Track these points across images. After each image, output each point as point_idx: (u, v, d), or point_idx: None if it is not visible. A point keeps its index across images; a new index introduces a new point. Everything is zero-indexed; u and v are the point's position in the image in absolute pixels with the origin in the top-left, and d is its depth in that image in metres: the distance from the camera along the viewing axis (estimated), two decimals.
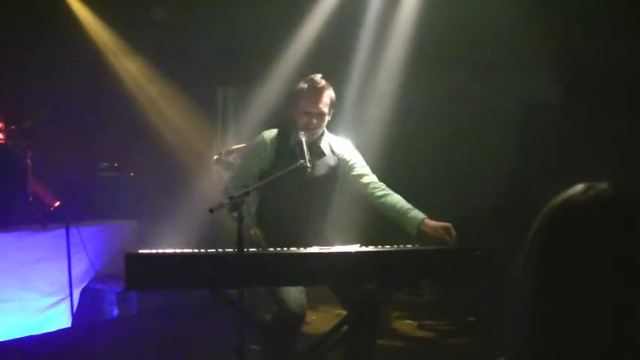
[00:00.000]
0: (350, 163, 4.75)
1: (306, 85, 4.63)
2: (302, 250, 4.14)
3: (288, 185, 4.45)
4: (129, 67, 8.73)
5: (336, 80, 7.09)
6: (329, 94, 4.63)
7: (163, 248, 3.96)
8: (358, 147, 4.91)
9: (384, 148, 6.94)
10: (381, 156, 6.88)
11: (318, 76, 4.66)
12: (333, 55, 7.38)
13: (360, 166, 4.78)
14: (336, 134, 4.90)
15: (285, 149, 4.65)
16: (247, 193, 3.82)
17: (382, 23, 7.44)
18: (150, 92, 8.61)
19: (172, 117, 8.44)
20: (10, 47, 8.10)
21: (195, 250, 3.92)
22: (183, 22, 8.36)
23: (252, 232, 4.31)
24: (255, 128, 6.78)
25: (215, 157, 7.16)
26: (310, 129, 4.61)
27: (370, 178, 4.74)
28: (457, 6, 6.71)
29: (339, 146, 4.79)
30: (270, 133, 4.76)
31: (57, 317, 6.57)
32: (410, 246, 4.19)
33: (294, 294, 4.31)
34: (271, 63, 7.38)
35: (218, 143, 8.25)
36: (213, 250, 3.93)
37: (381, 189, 4.68)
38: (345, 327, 4.59)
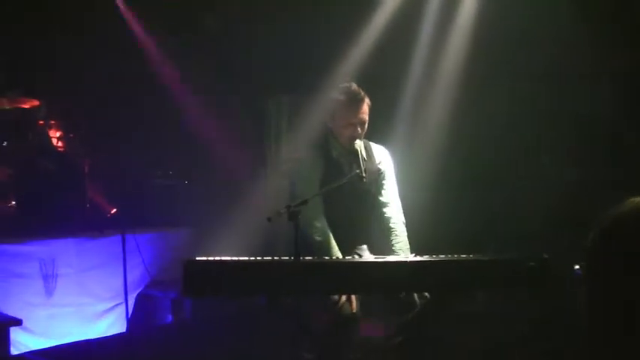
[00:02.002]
0: (382, 170, 4.82)
1: (344, 97, 4.69)
2: (357, 258, 4.18)
3: (341, 194, 4.49)
4: (184, 77, 8.84)
5: (392, 89, 7.14)
6: (367, 102, 4.70)
7: (218, 256, 4.01)
8: (412, 155, 4.95)
9: (437, 156, 6.94)
10: (433, 164, 6.90)
11: (354, 87, 4.72)
12: (389, 64, 7.39)
13: (389, 176, 4.85)
14: (389, 142, 4.95)
15: (330, 160, 4.71)
16: (305, 202, 3.87)
17: (439, 31, 7.41)
18: (204, 101, 8.70)
19: (226, 125, 8.51)
20: (69, 59, 8.27)
21: (252, 258, 3.96)
22: (235, 32, 8.44)
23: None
24: (310, 137, 6.81)
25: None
26: (354, 139, 4.66)
27: (389, 192, 4.81)
28: (516, 14, 6.67)
29: (378, 153, 4.84)
30: (312, 148, 4.83)
31: (112, 322, 6.67)
32: (464, 256, 4.19)
33: (346, 299, 4.34)
34: (326, 71, 7.40)
35: (271, 152, 8.29)
36: (270, 257, 3.97)
37: (391, 208, 4.76)
38: (400, 335, 4.61)
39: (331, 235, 4.50)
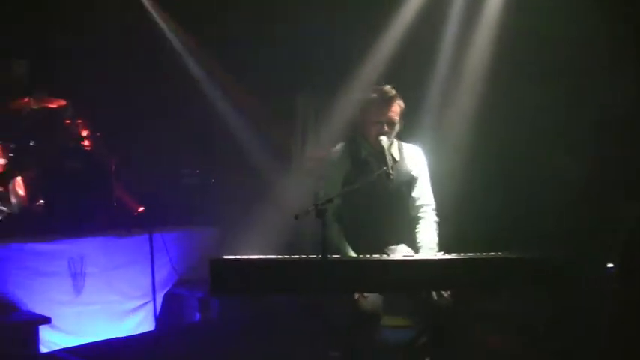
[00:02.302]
0: (414, 170, 4.81)
1: (375, 95, 4.73)
2: (385, 256, 4.16)
3: (369, 193, 4.51)
4: (210, 76, 8.87)
5: (418, 87, 7.11)
6: (399, 104, 4.72)
7: (245, 254, 4.03)
8: (438, 154, 4.93)
9: (463, 154, 6.91)
10: (460, 163, 6.86)
11: (387, 86, 4.75)
12: (415, 62, 7.36)
13: (423, 176, 4.84)
14: (414, 141, 4.94)
15: (358, 159, 4.73)
16: (331, 201, 3.87)
17: (465, 28, 7.37)
18: (230, 100, 8.73)
19: (252, 124, 8.52)
20: (95, 57, 8.32)
21: (279, 256, 3.97)
22: (262, 31, 8.45)
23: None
24: (336, 137, 6.80)
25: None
26: (382, 137, 4.67)
27: (422, 192, 4.81)
28: (542, 10, 6.62)
29: (411, 153, 4.84)
30: (340, 147, 4.85)
31: (140, 320, 6.71)
32: (493, 253, 4.16)
33: (362, 295, 4.34)
34: (352, 70, 7.39)
35: (297, 151, 8.29)
36: (297, 256, 3.97)
37: (421, 206, 4.77)
38: (424, 335, 4.60)
39: (342, 235, 4.57)
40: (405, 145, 4.89)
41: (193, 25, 8.72)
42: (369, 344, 4.46)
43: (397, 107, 4.70)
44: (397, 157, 4.76)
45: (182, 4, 8.63)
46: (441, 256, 4.17)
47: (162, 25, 8.89)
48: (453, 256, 4.11)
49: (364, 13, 7.50)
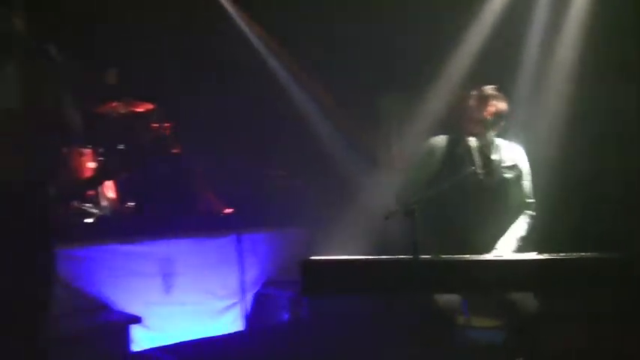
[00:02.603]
0: (519, 170, 4.75)
1: (474, 93, 4.71)
2: (475, 257, 4.09)
3: (459, 192, 4.44)
4: (295, 76, 8.90)
5: (504, 85, 6.97)
6: (497, 104, 4.66)
7: (334, 255, 4.03)
8: (527, 154, 4.85)
9: (550, 153, 6.75)
10: (547, 161, 6.69)
11: (487, 87, 4.73)
12: (500, 61, 7.21)
13: (524, 175, 4.78)
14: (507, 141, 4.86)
15: (454, 156, 4.68)
16: (420, 200, 3.82)
17: (552, 27, 7.20)
18: (314, 101, 8.74)
19: (336, 125, 8.52)
20: (182, 58, 8.43)
21: (370, 257, 3.95)
22: (342, 31, 8.43)
23: None
24: (418, 136, 6.73)
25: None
26: (477, 136, 4.61)
27: (521, 192, 4.75)
28: (628, 9, 6.44)
29: (511, 152, 4.75)
30: (438, 139, 4.80)
31: (229, 321, 6.75)
32: (590, 253, 4.04)
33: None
34: (435, 70, 7.31)
35: (383, 151, 8.24)
36: (387, 256, 3.94)
37: (521, 207, 4.72)
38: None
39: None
40: (506, 144, 4.80)
41: (275, 27, 8.76)
42: (447, 343, 4.42)
43: (494, 107, 4.64)
44: (496, 157, 4.69)
45: (263, 6, 8.67)
46: (535, 256, 4.08)
47: (245, 27, 8.95)
48: (542, 256, 4.03)
49: (448, 11, 7.40)
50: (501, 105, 4.67)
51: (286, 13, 8.46)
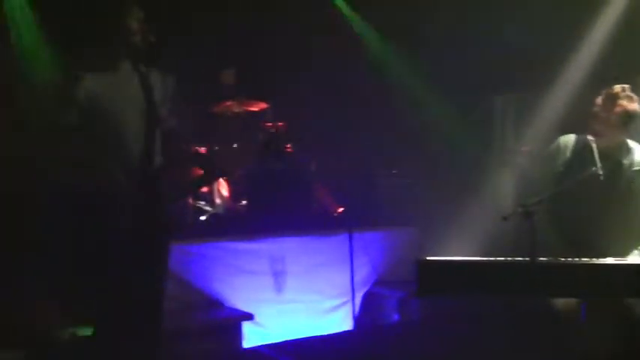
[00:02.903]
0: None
1: (603, 92, 4.55)
2: (595, 260, 3.95)
3: (582, 194, 4.31)
4: (405, 76, 8.84)
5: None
6: (626, 104, 4.47)
7: (445, 256, 3.98)
8: None
9: None
10: None
11: (615, 86, 4.54)
12: (622, 59, 6.96)
13: None
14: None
15: (579, 156, 4.54)
16: (540, 202, 3.72)
17: None
18: (425, 99, 8.66)
19: (449, 124, 8.41)
20: (291, 58, 8.49)
21: (487, 259, 3.88)
22: (457, 30, 8.31)
23: None
24: (538, 137, 6.57)
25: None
26: (599, 136, 4.48)
27: None
28: None
29: None
30: (567, 139, 4.67)
31: (339, 320, 6.74)
32: None
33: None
34: (556, 68, 7.12)
35: (497, 151, 8.08)
36: (504, 258, 3.87)
37: None
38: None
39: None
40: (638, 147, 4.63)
41: (390, 26, 8.72)
42: (569, 345, 4.29)
43: (620, 108, 4.45)
44: (626, 160, 4.54)
45: (377, 8, 8.64)
46: None
47: (358, 26, 8.96)
48: None
49: (567, 9, 7.20)
50: (631, 105, 4.47)
51: (403, 13, 8.42)
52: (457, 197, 7.44)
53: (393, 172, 8.48)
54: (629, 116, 4.46)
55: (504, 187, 7.20)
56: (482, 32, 7.93)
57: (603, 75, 5.98)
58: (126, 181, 3.75)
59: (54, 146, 3.72)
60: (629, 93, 4.49)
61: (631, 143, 4.61)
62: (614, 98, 4.47)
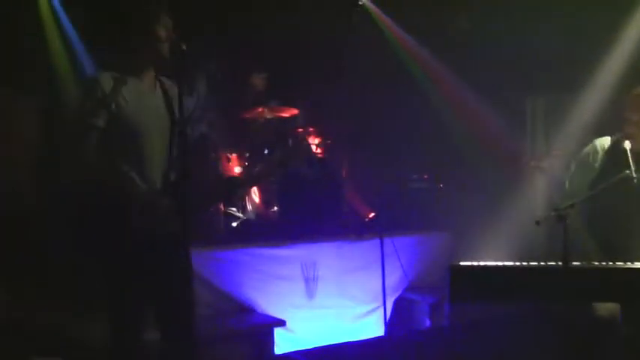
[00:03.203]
0: None
1: (632, 93, 4.54)
2: (630, 264, 3.91)
3: (616, 197, 4.27)
4: (436, 80, 8.81)
5: None
6: None
7: (478, 260, 3.96)
8: None
9: None
10: None
11: None
12: None
13: None
14: None
15: (614, 159, 4.50)
16: (572, 206, 3.68)
17: None
18: (457, 103, 8.62)
19: (480, 128, 8.37)
20: (323, 66, 8.49)
21: (519, 263, 3.86)
22: (489, 31, 8.28)
23: None
24: (569, 139, 6.52)
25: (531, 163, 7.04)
26: (632, 139, 4.43)
27: None
28: None
29: None
30: (602, 142, 4.65)
31: (371, 325, 6.73)
32: None
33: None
34: (587, 70, 7.06)
35: (527, 154, 8.03)
36: (537, 262, 3.84)
37: None
38: None
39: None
40: None
41: (420, 25, 8.70)
42: (609, 352, 4.24)
43: None
44: None
45: (407, 10, 8.63)
46: None
47: (387, 30, 8.95)
48: None
49: (599, 12, 7.13)
50: None
51: (432, 15, 8.41)
52: (490, 202, 7.40)
53: (425, 176, 8.46)
54: None
55: (537, 190, 7.14)
56: (514, 33, 7.90)
57: (637, 76, 5.90)
58: (147, 189, 3.76)
59: (80, 144, 3.71)
60: None
61: None
62: (636, 99, 4.44)
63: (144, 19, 3.84)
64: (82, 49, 7.79)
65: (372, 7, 9.05)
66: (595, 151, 4.63)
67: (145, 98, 3.83)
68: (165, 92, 3.93)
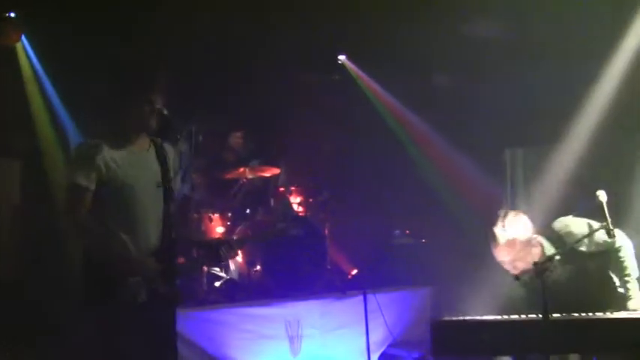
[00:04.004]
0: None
1: None
2: (610, 315, 3.96)
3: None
4: (416, 135, 8.92)
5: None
6: None
7: (462, 314, 4.00)
8: None
9: None
10: None
11: None
12: (633, 113, 6.99)
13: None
14: None
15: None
16: (551, 259, 3.74)
17: None
18: (437, 158, 8.72)
19: (459, 181, 8.44)
20: (304, 126, 8.59)
21: (499, 317, 3.91)
22: (468, 85, 8.41)
23: None
24: (548, 191, 6.59)
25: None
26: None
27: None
28: None
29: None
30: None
31: None
32: None
33: None
34: (565, 121, 7.16)
35: (508, 205, 8.09)
36: (517, 316, 3.88)
37: None
38: None
39: None
40: None
41: (397, 80, 8.82)
42: None
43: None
44: None
45: (385, 65, 8.77)
46: None
47: (366, 88, 9.10)
48: None
49: (576, 62, 7.26)
50: None
51: (410, 71, 8.54)
52: (472, 257, 7.44)
53: (407, 232, 8.50)
54: None
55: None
56: (490, 87, 8.02)
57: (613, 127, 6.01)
58: (138, 253, 3.80)
59: (73, 207, 3.76)
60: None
61: None
62: None
63: (130, 99, 3.92)
64: (65, 114, 7.88)
65: (350, 65, 9.21)
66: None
67: (137, 161, 3.90)
68: (159, 155, 3.98)
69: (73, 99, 7.71)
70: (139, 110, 3.89)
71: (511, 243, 4.35)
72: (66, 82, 7.66)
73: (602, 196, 4.41)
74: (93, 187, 3.75)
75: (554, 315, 3.82)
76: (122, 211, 3.81)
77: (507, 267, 4.43)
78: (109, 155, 3.80)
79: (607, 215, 4.27)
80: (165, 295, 3.77)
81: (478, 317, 3.98)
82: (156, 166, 3.94)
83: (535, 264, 3.71)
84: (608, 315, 4.03)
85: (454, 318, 3.98)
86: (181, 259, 4.28)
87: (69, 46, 7.20)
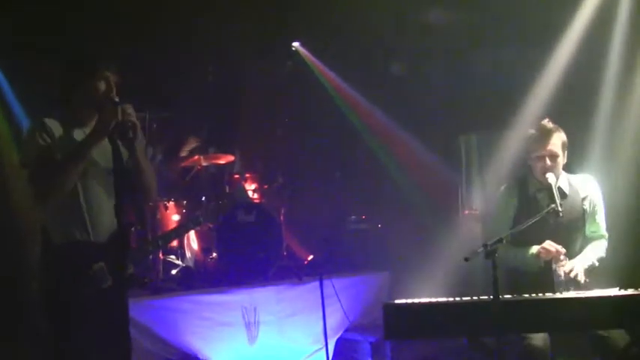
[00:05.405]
0: (589, 200, 4.74)
1: (534, 131, 4.76)
2: (558, 295, 4.05)
3: (537, 231, 4.43)
4: (370, 121, 8.96)
5: (584, 118, 6.88)
6: (559, 136, 4.68)
7: (416, 298, 4.05)
8: (608, 185, 4.80)
9: (634, 186, 6.60)
10: (630, 194, 6.53)
11: (545, 120, 4.75)
12: (580, 92, 7.12)
13: (597, 205, 4.77)
14: (585, 173, 4.83)
15: (526, 197, 4.72)
16: (501, 241, 3.80)
17: (630, 55, 7.07)
18: (392, 144, 8.77)
19: (415, 167, 8.52)
20: (259, 113, 8.59)
21: (450, 299, 3.96)
22: (421, 72, 8.48)
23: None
24: (502, 175, 6.67)
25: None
26: (547, 172, 4.61)
27: (596, 222, 4.76)
28: None
29: (583, 185, 4.73)
30: (506, 185, 4.87)
31: None
32: None
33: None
34: (515, 107, 7.26)
35: (463, 192, 8.19)
36: (468, 297, 3.94)
37: (594, 239, 4.74)
38: None
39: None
40: (575, 177, 4.78)
41: (352, 68, 8.86)
42: None
43: (557, 140, 4.66)
44: (567, 191, 4.67)
45: (339, 52, 8.80)
46: (618, 292, 4.01)
47: (320, 74, 9.11)
48: (627, 292, 3.95)
49: (525, 48, 7.37)
50: (563, 136, 4.70)
51: (363, 58, 8.58)
52: (426, 239, 7.52)
53: (363, 217, 8.56)
54: (565, 147, 4.70)
55: (469, 228, 7.30)
56: (444, 71, 8.10)
57: (563, 109, 6.11)
58: (86, 237, 3.80)
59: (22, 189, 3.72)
60: (554, 125, 4.68)
61: (570, 174, 4.80)
62: (548, 133, 4.68)
63: (88, 76, 3.89)
64: (14, 99, 7.79)
65: (305, 52, 9.22)
66: (512, 188, 4.82)
67: None
68: (111, 139, 3.94)
69: (24, 88, 7.62)
70: (89, 85, 3.87)
71: None
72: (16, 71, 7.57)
73: (550, 178, 4.55)
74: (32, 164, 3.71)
75: (505, 296, 3.90)
76: (75, 194, 3.80)
77: None
78: (56, 135, 3.78)
79: (556, 197, 4.39)
80: (128, 279, 3.78)
81: (429, 300, 4.01)
82: (109, 150, 3.91)
83: (484, 245, 3.77)
84: (558, 295, 4.12)
85: (405, 300, 3.99)
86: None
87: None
